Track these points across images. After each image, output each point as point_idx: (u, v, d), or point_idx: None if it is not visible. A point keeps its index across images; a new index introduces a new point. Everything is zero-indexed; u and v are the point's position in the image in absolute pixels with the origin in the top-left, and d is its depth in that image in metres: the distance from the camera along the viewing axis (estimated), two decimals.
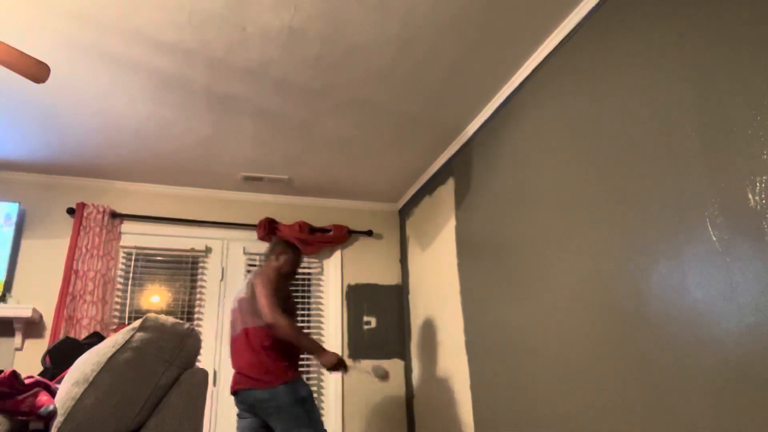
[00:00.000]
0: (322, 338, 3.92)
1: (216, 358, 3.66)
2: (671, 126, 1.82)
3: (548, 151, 2.48)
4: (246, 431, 2.66)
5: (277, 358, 2.63)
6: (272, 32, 2.41)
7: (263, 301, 2.61)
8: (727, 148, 1.62)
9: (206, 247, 3.88)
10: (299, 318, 3.91)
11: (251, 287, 2.75)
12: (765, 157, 1.51)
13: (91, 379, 1.31)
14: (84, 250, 3.47)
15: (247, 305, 2.74)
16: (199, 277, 3.82)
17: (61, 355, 2.09)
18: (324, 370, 3.78)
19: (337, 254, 4.13)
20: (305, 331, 2.69)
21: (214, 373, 3.63)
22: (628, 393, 1.90)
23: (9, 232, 3.36)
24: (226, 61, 2.58)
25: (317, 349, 2.68)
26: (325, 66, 2.64)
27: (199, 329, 3.67)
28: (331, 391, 3.78)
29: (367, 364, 3.82)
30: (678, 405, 1.70)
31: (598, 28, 2.22)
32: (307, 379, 3.79)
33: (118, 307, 3.56)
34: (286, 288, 2.88)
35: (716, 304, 1.60)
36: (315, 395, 3.75)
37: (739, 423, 1.51)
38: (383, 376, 3.16)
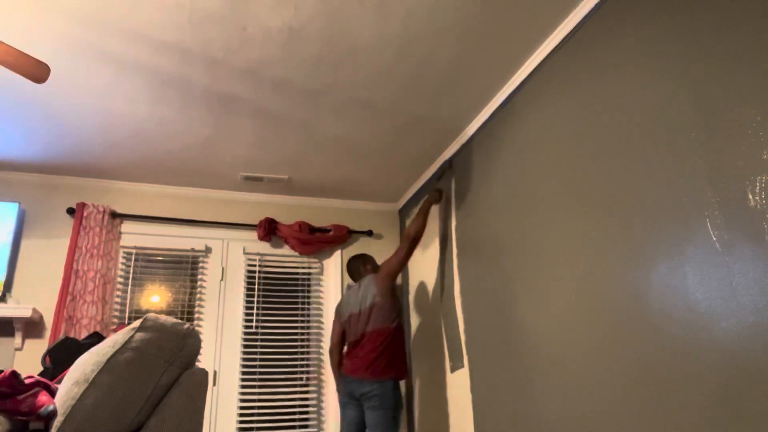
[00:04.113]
0: (322, 338, 3.91)
1: (216, 358, 3.66)
2: (671, 126, 1.82)
3: (548, 151, 2.48)
4: (351, 419, 3.12)
5: (395, 356, 3.14)
6: (272, 32, 2.41)
7: (403, 251, 3.24)
8: (727, 148, 1.62)
9: (206, 247, 3.88)
10: (300, 317, 3.92)
11: (382, 292, 3.21)
12: (765, 157, 1.51)
13: (91, 379, 1.31)
14: (84, 250, 3.46)
15: (378, 310, 3.18)
16: (199, 277, 3.81)
17: (61, 355, 2.09)
18: None
19: (337, 254, 4.13)
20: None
21: (214, 373, 3.63)
22: (628, 393, 1.90)
23: (9, 237, 3.37)
24: (226, 61, 2.58)
25: (429, 204, 3.39)
26: (325, 66, 2.64)
27: (199, 329, 3.67)
28: (331, 393, 3.78)
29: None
30: (678, 405, 1.70)
31: (598, 28, 2.22)
32: (309, 383, 3.79)
33: (118, 307, 3.56)
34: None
35: (716, 304, 1.60)
36: (314, 400, 3.77)
37: (739, 423, 1.51)
38: (443, 171, 3.54)
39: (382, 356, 3.09)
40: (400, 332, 3.21)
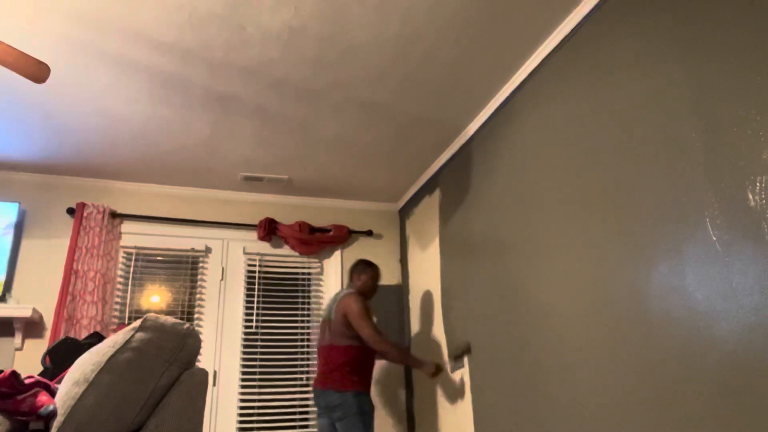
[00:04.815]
0: None
1: (216, 358, 3.66)
2: (671, 126, 1.82)
3: (548, 151, 2.48)
4: (323, 429, 3.11)
5: (350, 372, 3.07)
6: (272, 32, 2.41)
7: (367, 333, 3.05)
8: (727, 148, 1.62)
9: (206, 247, 3.88)
10: (300, 317, 3.92)
11: (340, 313, 3.14)
12: (765, 157, 1.51)
13: (91, 379, 1.31)
14: (84, 250, 3.46)
15: (333, 326, 3.16)
16: (199, 277, 3.81)
17: (61, 355, 2.09)
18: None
19: (337, 254, 4.13)
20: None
21: (214, 373, 3.63)
22: (628, 392, 1.90)
23: (9, 237, 3.38)
24: (226, 61, 2.58)
25: (420, 364, 3.18)
26: (325, 66, 2.64)
27: (199, 329, 3.68)
28: None
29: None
30: (678, 404, 1.70)
31: (598, 28, 2.22)
32: (309, 383, 3.79)
33: (118, 307, 3.56)
34: (369, 306, 3.24)
35: (716, 304, 1.60)
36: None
37: (739, 422, 1.51)
38: (462, 353, 3.14)
39: (337, 370, 3.05)
40: (355, 351, 3.10)
